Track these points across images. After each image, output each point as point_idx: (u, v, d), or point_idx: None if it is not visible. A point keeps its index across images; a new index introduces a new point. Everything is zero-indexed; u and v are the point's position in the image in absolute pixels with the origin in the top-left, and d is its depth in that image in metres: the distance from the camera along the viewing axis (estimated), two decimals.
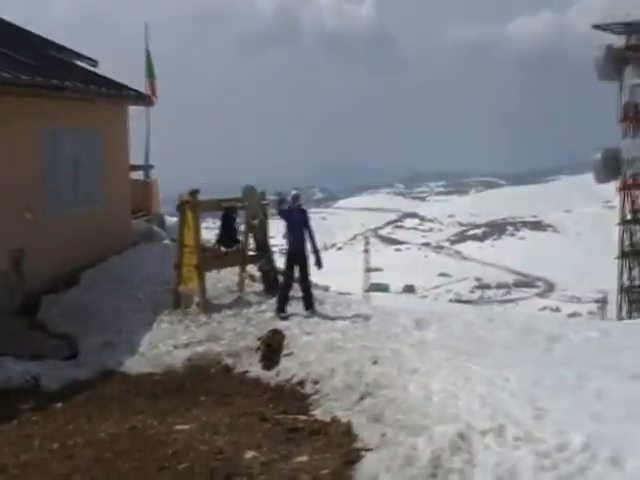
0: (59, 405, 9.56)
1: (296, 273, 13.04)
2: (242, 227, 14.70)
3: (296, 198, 13.16)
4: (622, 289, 50.21)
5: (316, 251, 12.99)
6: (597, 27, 49.84)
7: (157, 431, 8.19)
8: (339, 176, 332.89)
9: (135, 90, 18.82)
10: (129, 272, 15.38)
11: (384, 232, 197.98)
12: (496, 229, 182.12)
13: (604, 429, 6.59)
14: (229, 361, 11.02)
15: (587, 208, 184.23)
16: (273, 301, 13.25)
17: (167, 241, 19.34)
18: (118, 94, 17.74)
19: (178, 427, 8.27)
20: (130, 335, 12.48)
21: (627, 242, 50.18)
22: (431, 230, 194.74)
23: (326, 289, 19.08)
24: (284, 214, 13.02)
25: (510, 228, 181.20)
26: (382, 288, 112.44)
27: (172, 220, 20.92)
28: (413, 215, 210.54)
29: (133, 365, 11.29)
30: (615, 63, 48.31)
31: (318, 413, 8.50)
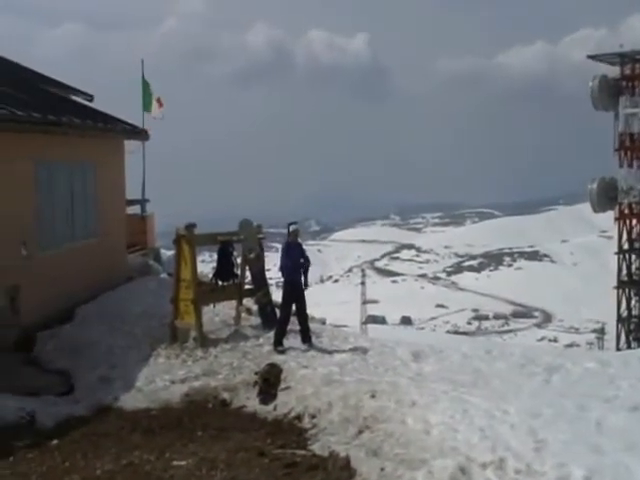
0: (55, 442, 9.44)
1: (293, 307, 13.03)
2: (239, 260, 14.68)
3: (295, 232, 13.17)
4: (620, 319, 49.98)
5: (306, 270, 13.08)
6: (592, 57, 50.33)
7: (154, 467, 8.11)
8: (335, 208, 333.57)
9: (130, 124, 18.93)
10: (125, 307, 15.32)
11: (380, 264, 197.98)
12: (492, 260, 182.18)
13: (604, 461, 6.55)
14: (226, 396, 10.93)
15: (583, 238, 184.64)
16: (270, 335, 13.21)
17: (163, 275, 19.33)
18: (113, 128, 17.84)
19: (175, 463, 8.19)
20: (126, 370, 12.39)
21: (625, 272, 50.07)
22: (427, 261, 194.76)
23: (323, 322, 19.04)
24: (285, 249, 13.04)
25: (507, 258, 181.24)
26: (379, 320, 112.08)
27: (168, 254, 20.92)
28: (409, 246, 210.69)
29: (129, 400, 11.19)
30: (610, 93, 48.61)
31: (316, 447, 8.42)
